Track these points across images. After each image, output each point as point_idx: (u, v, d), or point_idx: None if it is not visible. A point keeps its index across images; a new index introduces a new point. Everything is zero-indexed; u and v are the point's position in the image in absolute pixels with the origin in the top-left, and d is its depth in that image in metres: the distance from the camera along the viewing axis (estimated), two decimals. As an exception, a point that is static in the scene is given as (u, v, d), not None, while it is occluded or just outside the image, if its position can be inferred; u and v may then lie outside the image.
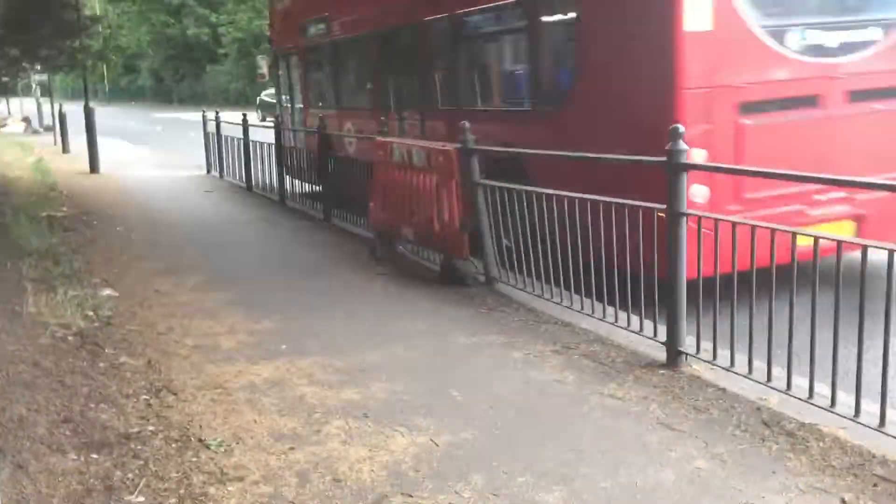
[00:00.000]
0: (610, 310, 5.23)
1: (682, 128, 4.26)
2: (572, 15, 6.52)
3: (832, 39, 5.77)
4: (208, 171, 15.88)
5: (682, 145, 4.23)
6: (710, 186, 5.34)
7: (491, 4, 7.36)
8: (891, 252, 3.39)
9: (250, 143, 12.90)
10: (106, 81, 74.97)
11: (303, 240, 9.06)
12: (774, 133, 5.60)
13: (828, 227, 5.54)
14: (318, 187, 10.58)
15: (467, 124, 6.51)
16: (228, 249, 8.69)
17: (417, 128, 8.97)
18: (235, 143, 13.74)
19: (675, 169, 4.30)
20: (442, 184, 6.63)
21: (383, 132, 8.25)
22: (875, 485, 3.23)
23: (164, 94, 64.31)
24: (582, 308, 5.50)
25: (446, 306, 6.08)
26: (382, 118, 8.90)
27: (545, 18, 6.89)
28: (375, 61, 10.13)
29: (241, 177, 13.64)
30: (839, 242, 3.72)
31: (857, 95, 5.86)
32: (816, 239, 3.75)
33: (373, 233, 8.05)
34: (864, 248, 3.53)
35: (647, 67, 5.65)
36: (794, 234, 3.86)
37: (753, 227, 3.97)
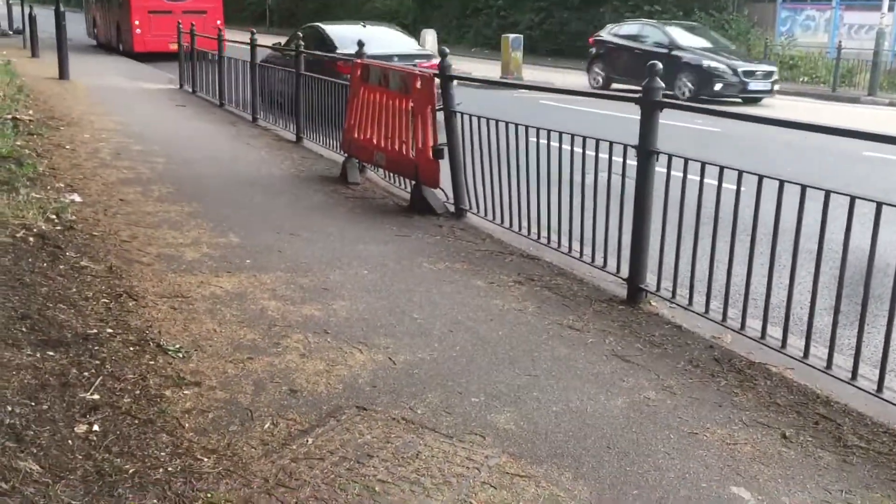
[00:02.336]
0: (575, 245, 5.29)
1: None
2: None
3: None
4: (181, 86, 15.55)
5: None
6: (142, 29, 22.44)
7: None
8: (827, 192, 3.47)
9: (224, 60, 12.77)
10: (80, -14, 72.29)
11: (272, 158, 8.95)
12: (157, 20, 22.02)
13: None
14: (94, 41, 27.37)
15: (447, 50, 6.51)
16: (197, 163, 8.57)
17: (112, 21, 24.85)
18: (208, 56, 13.55)
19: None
20: (418, 110, 6.56)
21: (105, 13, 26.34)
22: (816, 423, 3.33)
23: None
24: (549, 242, 5.55)
25: (414, 233, 6.08)
26: (107, 11, 25.66)
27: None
28: None
29: (213, 92, 13.46)
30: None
31: (186, 11, 21.43)
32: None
33: (344, 156, 7.97)
34: (802, 189, 3.60)
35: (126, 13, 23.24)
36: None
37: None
